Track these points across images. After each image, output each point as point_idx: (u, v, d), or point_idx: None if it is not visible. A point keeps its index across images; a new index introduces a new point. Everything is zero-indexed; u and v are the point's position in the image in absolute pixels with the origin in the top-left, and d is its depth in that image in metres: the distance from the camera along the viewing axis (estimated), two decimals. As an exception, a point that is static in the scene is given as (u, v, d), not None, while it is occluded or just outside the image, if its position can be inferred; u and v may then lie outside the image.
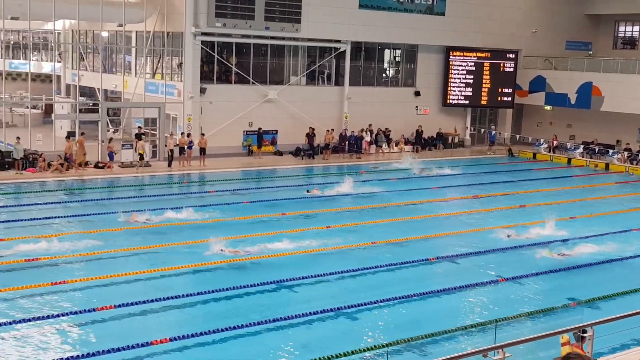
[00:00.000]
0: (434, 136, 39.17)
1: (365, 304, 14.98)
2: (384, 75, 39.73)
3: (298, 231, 20.46)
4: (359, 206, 24.57)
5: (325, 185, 27.19)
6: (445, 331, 13.57)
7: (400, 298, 15.46)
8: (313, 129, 34.31)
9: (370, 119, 36.76)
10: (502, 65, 40.06)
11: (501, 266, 18.16)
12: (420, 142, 38.30)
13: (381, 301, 15.20)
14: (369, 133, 36.30)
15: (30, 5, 29.55)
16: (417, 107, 39.37)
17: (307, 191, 25.80)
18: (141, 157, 29.35)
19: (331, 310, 14.56)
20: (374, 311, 14.84)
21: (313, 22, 34.27)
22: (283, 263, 17.67)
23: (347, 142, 35.49)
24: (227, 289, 15.41)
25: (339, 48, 36.13)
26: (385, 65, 39.84)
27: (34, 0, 29.94)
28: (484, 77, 39.84)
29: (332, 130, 34.92)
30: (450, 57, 39.47)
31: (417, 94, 39.23)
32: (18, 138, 27.73)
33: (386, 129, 37.15)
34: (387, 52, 39.43)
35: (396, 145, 37.67)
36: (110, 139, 30.35)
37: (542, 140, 39.54)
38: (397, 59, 39.89)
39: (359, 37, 36.63)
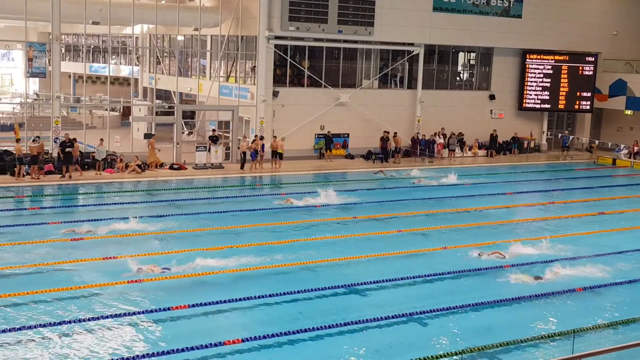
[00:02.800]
0: (509, 140, 38.38)
1: (436, 310, 14.74)
2: (457, 78, 39.19)
3: (370, 234, 20.34)
4: (432, 210, 24.23)
5: (398, 189, 26.95)
6: (520, 340, 13.20)
7: (472, 305, 15.15)
8: (387, 133, 34.10)
9: (443, 123, 36.32)
10: (580, 68, 38.96)
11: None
12: (494, 147, 37.60)
13: (453, 308, 14.93)
14: (441, 137, 35.87)
15: (111, 11, 30.41)
16: (491, 110, 38.70)
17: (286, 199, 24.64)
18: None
19: (402, 315, 14.38)
20: (445, 317, 14.58)
21: (386, 25, 34.11)
22: (354, 267, 17.57)
23: (418, 146, 35.15)
24: (299, 292, 15.41)
25: (412, 51, 35.84)
26: (459, 68, 39.31)
27: (114, 6, 30.81)
28: (562, 80, 38.83)
29: (396, 133, 34.50)
30: (527, 60, 38.64)
31: (492, 97, 38.56)
32: (101, 140, 28.52)
33: (459, 133, 36.62)
34: (461, 55, 38.89)
35: (470, 149, 37.10)
36: (250, 139, 31.00)
37: (622, 146, 38.24)
38: (472, 62, 39.27)
39: (433, 40, 36.25)
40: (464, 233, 21.42)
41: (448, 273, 17.29)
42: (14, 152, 27.05)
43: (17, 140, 27.18)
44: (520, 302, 15.59)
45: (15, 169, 26.56)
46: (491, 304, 15.37)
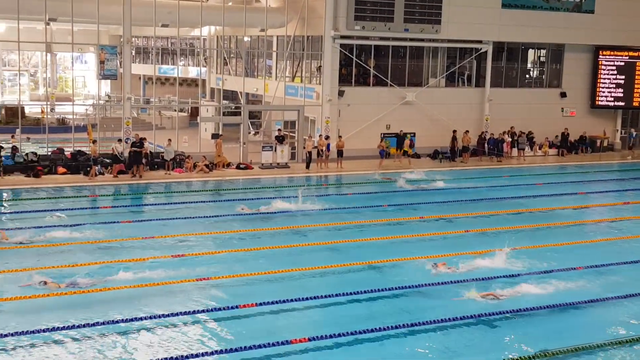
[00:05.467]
0: (581, 139, 37.33)
1: (506, 312, 14.38)
2: (527, 76, 38.36)
3: (437, 234, 20.06)
4: (500, 210, 23.74)
5: (472, 190, 26.54)
6: (592, 345, 12.76)
7: (544, 307, 14.72)
8: (455, 131, 33.61)
9: (512, 121, 35.59)
10: (657, 64, 37.61)
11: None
12: (566, 146, 36.61)
13: (524, 310, 14.54)
14: (510, 136, 35.15)
15: (179, 13, 30.89)
16: (562, 108, 37.73)
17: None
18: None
19: (471, 317, 14.09)
20: (515, 319, 14.21)
21: (453, 23, 33.63)
22: (407, 267, 17.34)
23: (486, 145, 34.53)
24: (365, 292, 15.28)
25: (480, 49, 35.25)
26: (529, 65, 38.46)
27: (183, 8, 31.29)
28: (637, 77, 37.52)
29: (467, 132, 33.97)
30: (600, 56, 37.52)
31: (563, 95, 37.58)
32: (169, 140, 29.01)
33: (529, 131, 35.80)
34: (531, 52, 38.03)
35: (540, 148, 36.25)
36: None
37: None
38: (542, 59, 38.41)
39: (502, 37, 35.56)
40: (536, 234, 20.88)
41: (527, 274, 16.89)
42: (89, 152, 27.72)
43: (94, 142, 27.87)
44: (594, 305, 15.07)
45: (89, 169, 27.20)
46: (566, 305, 14.90)
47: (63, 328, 12.92)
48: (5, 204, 23.29)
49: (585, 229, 22.20)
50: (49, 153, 28.65)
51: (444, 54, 35.20)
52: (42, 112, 38.03)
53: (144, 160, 27.77)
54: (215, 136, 32.24)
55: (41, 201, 23.23)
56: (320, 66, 33.01)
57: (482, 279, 16.26)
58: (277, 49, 36.18)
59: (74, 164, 27.91)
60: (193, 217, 21.32)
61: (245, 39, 37.25)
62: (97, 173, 27.20)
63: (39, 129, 33.59)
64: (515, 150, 35.13)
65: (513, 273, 16.85)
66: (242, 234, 20.00)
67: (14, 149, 27.71)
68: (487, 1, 34.49)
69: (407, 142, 32.61)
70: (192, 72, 44.88)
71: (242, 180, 28.26)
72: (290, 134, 32.92)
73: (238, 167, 30.06)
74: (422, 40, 33.94)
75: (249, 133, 33.22)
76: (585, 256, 18.61)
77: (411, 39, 33.69)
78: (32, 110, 40.95)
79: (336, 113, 32.50)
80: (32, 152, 28.13)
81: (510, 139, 35.03)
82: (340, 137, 31.39)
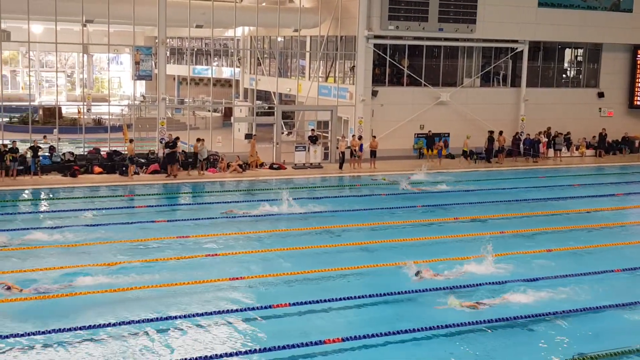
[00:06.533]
0: (619, 140, 36.69)
1: (539, 315, 14.16)
2: (564, 75, 37.82)
3: (472, 235, 19.90)
4: (536, 212, 23.42)
5: (507, 191, 26.20)
6: (630, 350, 12.50)
7: (579, 310, 14.48)
8: (492, 132, 33.24)
9: (548, 122, 35.13)
10: (697, 63, 36.83)
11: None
12: (603, 146, 36.01)
13: (559, 312, 14.30)
14: (546, 136, 34.68)
15: (214, 14, 31.05)
16: (600, 109, 37.15)
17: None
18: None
19: (505, 319, 13.88)
20: (549, 323, 13.98)
21: (489, 22, 33.30)
22: (440, 268, 17.14)
23: (522, 146, 34.11)
24: (396, 293, 15.16)
25: (516, 48, 34.86)
26: (566, 65, 37.93)
27: (217, 9, 31.45)
28: (677, 76, 36.82)
29: (501, 132, 33.57)
30: (638, 55, 36.86)
31: (601, 95, 37.00)
32: (203, 140, 29.13)
33: (567, 132, 35.29)
34: (567, 51, 37.51)
35: (577, 149, 35.71)
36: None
37: None
38: (579, 58, 37.85)
39: (538, 37, 35.13)
40: (572, 235, 20.57)
41: (565, 276, 16.62)
42: (126, 152, 27.99)
43: (131, 141, 28.14)
44: (632, 309, 14.77)
45: (125, 168, 27.46)
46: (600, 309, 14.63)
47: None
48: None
49: (623, 231, 21.76)
50: (86, 153, 29.01)
51: (478, 54, 34.87)
52: (79, 112, 38.50)
53: (178, 160, 27.95)
54: (248, 136, 32.35)
55: (77, 200, 23.54)
56: (353, 66, 32.92)
57: (517, 281, 16.02)
58: (311, 49, 36.18)
59: (109, 163, 28.21)
60: (225, 217, 21.38)
61: (279, 39, 37.32)
62: (132, 173, 27.44)
63: (75, 129, 34.02)
64: (551, 150, 34.66)
65: (548, 275, 16.58)
66: (276, 233, 20.01)
67: (52, 148, 28.11)
68: (523, 0, 34.08)
69: (440, 143, 32.57)
70: (226, 72, 45.11)
71: (275, 180, 28.30)
72: (324, 134, 32.88)
73: (271, 167, 30.12)
74: (456, 40, 33.66)
75: (282, 133, 33.27)
76: (623, 259, 18.25)
77: (446, 39, 33.43)
78: (69, 110, 41.50)
79: (369, 113, 32.39)
80: (69, 152, 28.50)
81: (546, 140, 34.57)
82: (373, 137, 31.27)
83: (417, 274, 16.06)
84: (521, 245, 19.30)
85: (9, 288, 14.62)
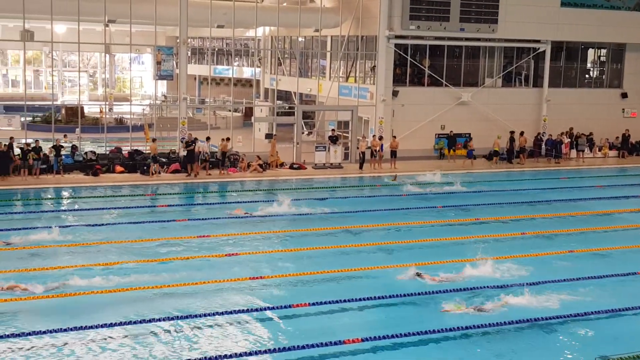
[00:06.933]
0: (646, 141, 36.36)
1: (560, 317, 14.04)
2: (586, 76, 37.49)
3: (494, 236, 19.78)
4: (558, 213, 23.23)
5: (529, 191, 25.99)
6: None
7: (601, 312, 14.35)
8: (513, 132, 33.01)
9: (571, 122, 34.84)
10: None
11: None
12: (626, 147, 35.65)
13: (580, 314, 14.18)
14: (569, 137, 34.38)
15: (235, 14, 31.15)
16: (623, 109, 36.79)
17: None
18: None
19: (526, 321, 13.79)
20: (570, 324, 13.86)
21: (510, 22, 33.10)
22: (460, 269, 17.02)
23: (544, 146, 33.85)
24: (416, 294, 15.12)
25: (538, 48, 34.61)
26: (589, 65, 37.59)
27: (238, 9, 31.54)
28: (702, 77, 36.36)
29: (522, 133, 33.33)
30: (663, 55, 36.49)
31: (624, 95, 36.63)
32: (222, 139, 29.24)
33: (589, 133, 34.96)
34: (590, 51, 37.17)
35: (599, 150, 35.38)
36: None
37: None
38: (602, 58, 37.49)
39: (561, 37, 34.85)
40: (595, 236, 20.38)
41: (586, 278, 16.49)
42: (149, 151, 28.15)
43: (153, 140, 28.30)
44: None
45: (146, 167, 27.62)
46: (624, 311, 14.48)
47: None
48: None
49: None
50: (107, 152, 29.22)
51: (500, 54, 34.66)
52: (101, 111, 38.87)
53: (198, 159, 28.06)
54: (269, 136, 32.42)
55: (98, 199, 23.74)
56: (374, 66, 32.87)
57: (537, 283, 15.91)
58: (331, 49, 36.17)
59: (131, 162, 28.39)
60: (245, 217, 21.42)
61: (300, 39, 37.35)
62: (154, 172, 27.61)
63: (97, 129, 34.35)
64: (574, 151, 34.36)
65: (569, 277, 16.45)
66: (295, 233, 20.02)
67: (74, 148, 28.35)
68: (546, 0, 33.86)
69: (471, 143, 32.68)
70: (247, 72, 45.21)
71: (295, 180, 28.32)
72: (344, 134, 32.86)
73: (291, 167, 30.15)
74: (478, 39, 33.49)
75: (303, 133, 33.28)
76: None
77: (467, 39, 33.27)
78: (91, 110, 41.86)
79: (390, 113, 32.32)
80: (91, 151, 28.73)
81: (569, 140, 34.29)
82: (394, 137, 31.19)
83: (418, 275, 15.98)
84: (542, 246, 19.14)
85: (13, 288, 14.68)
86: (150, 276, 15.75)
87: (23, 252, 17.40)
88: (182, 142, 28.86)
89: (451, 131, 32.90)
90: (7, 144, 26.27)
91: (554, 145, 33.80)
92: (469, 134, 33.53)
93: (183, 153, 28.15)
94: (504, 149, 33.00)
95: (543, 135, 34.31)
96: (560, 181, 29.26)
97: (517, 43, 34.45)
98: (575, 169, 32.28)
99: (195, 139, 28.39)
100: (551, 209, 23.94)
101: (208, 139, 28.63)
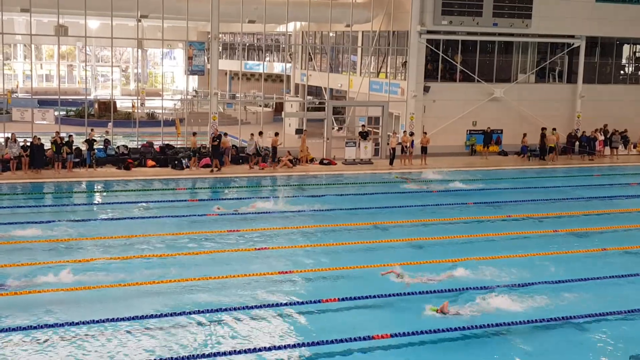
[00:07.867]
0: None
1: (592, 315, 13.88)
2: (622, 72, 36.90)
3: (524, 233, 19.57)
4: (592, 210, 22.90)
5: (551, 189, 25.67)
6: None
7: (634, 311, 14.14)
8: (545, 129, 32.61)
9: (605, 119, 34.29)
10: None
11: None
12: (662, 145, 35.06)
13: (612, 313, 13.99)
14: (602, 133, 33.88)
15: (266, 9, 31.20)
16: (659, 106, 36.17)
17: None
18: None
19: (558, 319, 13.62)
20: (602, 323, 13.70)
21: (544, 17, 32.68)
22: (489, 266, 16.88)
23: (578, 143, 33.37)
24: (451, 290, 15.02)
25: (573, 44, 34.14)
26: (624, 61, 36.99)
27: (269, 4, 31.58)
28: None
29: (554, 129, 32.90)
30: (701, 51, 35.77)
31: (660, 92, 36.01)
32: (252, 134, 29.32)
33: (624, 130, 34.40)
34: (626, 47, 36.56)
35: (634, 147, 34.80)
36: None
37: None
38: (638, 54, 36.84)
39: (596, 32, 34.35)
40: (628, 234, 20.07)
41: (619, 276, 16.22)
42: (188, 145, 28.33)
43: (194, 134, 28.43)
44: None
45: (177, 162, 27.81)
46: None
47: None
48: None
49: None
50: (139, 146, 29.47)
51: (534, 49, 34.26)
52: (133, 106, 39.20)
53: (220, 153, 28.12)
54: (299, 131, 32.42)
55: (130, 193, 23.97)
56: (405, 62, 32.69)
57: (569, 281, 15.69)
58: (362, 45, 36.04)
59: (162, 157, 28.60)
60: (272, 212, 21.43)
61: (331, 34, 37.28)
62: (186, 166, 27.77)
63: (129, 123, 34.66)
64: (607, 148, 33.86)
65: (601, 275, 16.22)
66: (324, 228, 19.98)
67: (106, 142, 28.64)
68: (581, -6, 33.46)
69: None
70: (277, 67, 45.28)
71: (325, 175, 28.29)
72: (374, 130, 32.75)
73: (321, 163, 30.13)
74: (511, 35, 33.15)
75: (333, 129, 33.24)
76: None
77: (500, 34, 32.93)
78: (123, 104, 42.26)
79: (421, 109, 32.12)
80: (123, 145, 29.00)
81: (603, 137, 33.78)
82: (424, 133, 31.01)
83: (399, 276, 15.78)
84: (575, 244, 18.89)
85: None
86: (180, 269, 15.88)
87: (58, 244, 17.65)
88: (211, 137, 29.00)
89: (488, 127, 32.54)
90: (42, 138, 26.63)
91: (588, 142, 33.32)
92: (501, 130, 33.19)
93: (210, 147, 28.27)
94: (536, 145, 32.58)
95: (577, 132, 33.83)
96: (593, 178, 28.81)
97: (551, 38, 34.02)
98: (609, 166, 31.80)
99: (222, 134, 28.45)
100: (585, 206, 23.60)
101: (225, 134, 28.64)
